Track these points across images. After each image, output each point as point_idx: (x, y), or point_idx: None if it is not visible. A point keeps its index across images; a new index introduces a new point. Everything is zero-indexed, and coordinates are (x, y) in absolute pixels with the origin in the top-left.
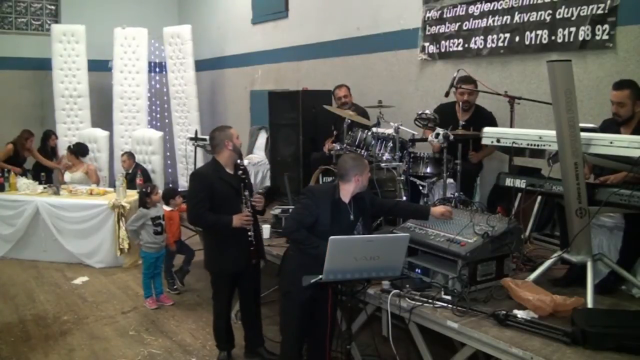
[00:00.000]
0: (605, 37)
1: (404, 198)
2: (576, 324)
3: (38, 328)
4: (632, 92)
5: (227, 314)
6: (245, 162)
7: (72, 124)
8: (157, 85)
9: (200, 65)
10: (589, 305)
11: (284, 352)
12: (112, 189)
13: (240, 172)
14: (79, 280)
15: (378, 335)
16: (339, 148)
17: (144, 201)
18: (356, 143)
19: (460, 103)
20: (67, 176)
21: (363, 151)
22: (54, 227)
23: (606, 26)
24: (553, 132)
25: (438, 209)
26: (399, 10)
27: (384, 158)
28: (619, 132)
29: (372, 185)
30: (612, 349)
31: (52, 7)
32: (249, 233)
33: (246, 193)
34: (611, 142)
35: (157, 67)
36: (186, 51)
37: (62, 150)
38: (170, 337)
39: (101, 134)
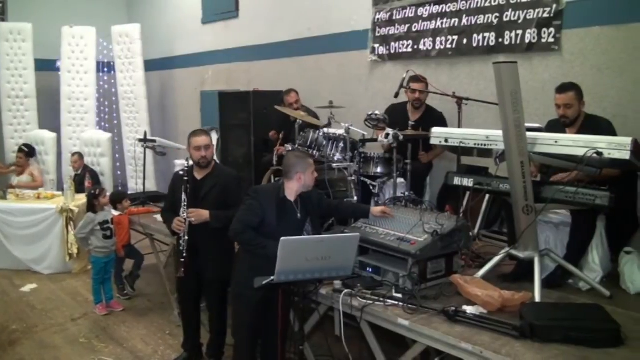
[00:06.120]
0: (551, 40)
1: (355, 198)
2: (524, 318)
3: None
4: (577, 93)
5: (184, 312)
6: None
7: (19, 125)
8: (106, 86)
9: (150, 65)
10: (537, 299)
11: (237, 354)
12: (60, 193)
13: (182, 172)
14: (27, 288)
15: (331, 335)
16: (290, 149)
17: (92, 204)
18: (308, 143)
19: (412, 102)
20: (15, 179)
21: (315, 152)
22: (1, 232)
23: (552, 29)
24: (500, 132)
25: (377, 209)
26: (350, 12)
27: (336, 158)
28: (564, 133)
29: (323, 186)
30: (559, 340)
31: None
32: (180, 242)
33: (183, 196)
34: (556, 141)
35: (105, 67)
36: (135, 51)
37: (9, 153)
38: (122, 344)
39: (49, 135)
